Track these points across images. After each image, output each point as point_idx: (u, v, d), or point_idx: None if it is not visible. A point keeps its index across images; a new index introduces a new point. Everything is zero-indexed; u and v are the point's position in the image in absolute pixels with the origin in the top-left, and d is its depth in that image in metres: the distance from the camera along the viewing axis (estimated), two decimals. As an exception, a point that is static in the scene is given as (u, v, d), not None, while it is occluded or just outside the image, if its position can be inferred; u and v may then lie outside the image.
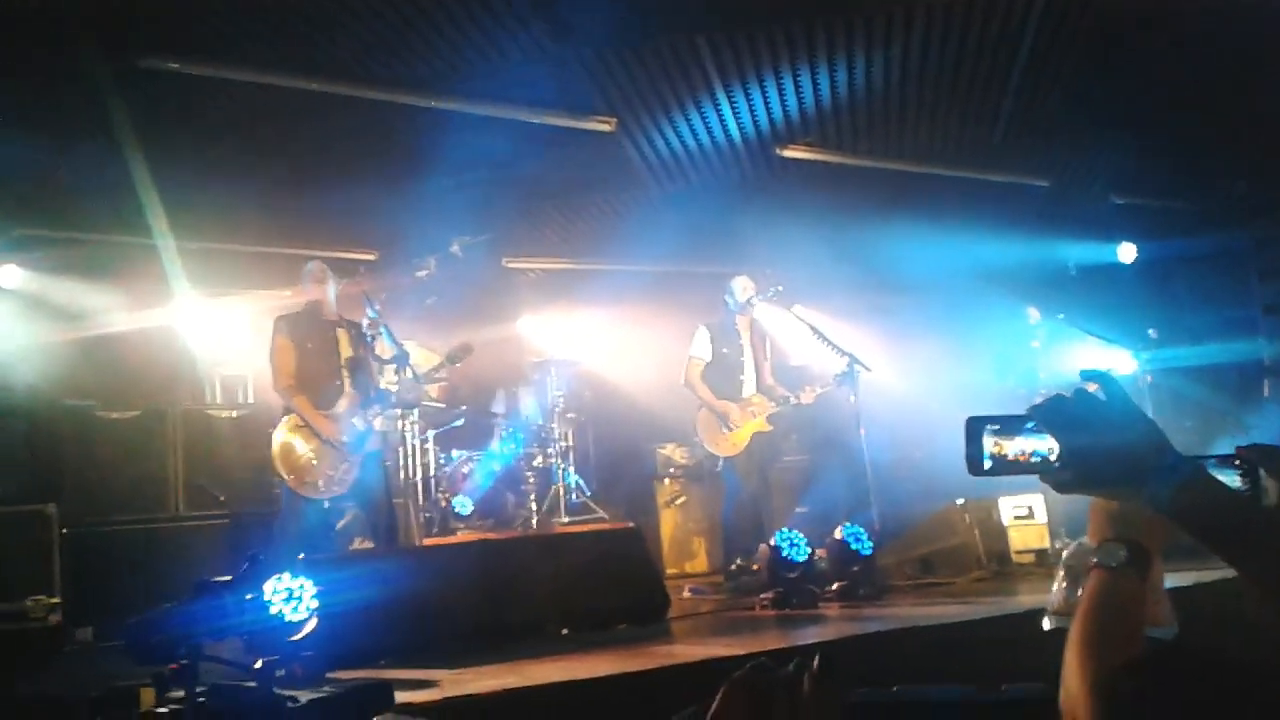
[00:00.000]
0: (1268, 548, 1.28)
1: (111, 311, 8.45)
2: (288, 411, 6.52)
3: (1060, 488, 1.39)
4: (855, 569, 6.58)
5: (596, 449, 10.26)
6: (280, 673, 4.16)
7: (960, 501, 7.64)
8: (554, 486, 8.82)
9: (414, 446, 8.10)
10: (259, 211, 8.62)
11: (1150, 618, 1.43)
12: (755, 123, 8.33)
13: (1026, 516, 7.56)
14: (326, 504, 6.55)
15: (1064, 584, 1.53)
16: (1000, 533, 7.53)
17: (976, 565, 7.43)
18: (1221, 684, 1.14)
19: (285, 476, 6.39)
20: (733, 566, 7.46)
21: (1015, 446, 1.39)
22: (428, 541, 7.55)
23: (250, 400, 8.88)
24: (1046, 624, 1.52)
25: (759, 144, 8.67)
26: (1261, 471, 1.38)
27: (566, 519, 8.68)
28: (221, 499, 7.50)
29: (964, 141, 9.03)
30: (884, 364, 8.09)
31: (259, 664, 4.07)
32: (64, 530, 6.67)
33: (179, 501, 7.44)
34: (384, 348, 6.83)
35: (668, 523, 9.41)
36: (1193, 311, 11.03)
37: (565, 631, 5.65)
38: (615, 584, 6.11)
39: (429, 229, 8.45)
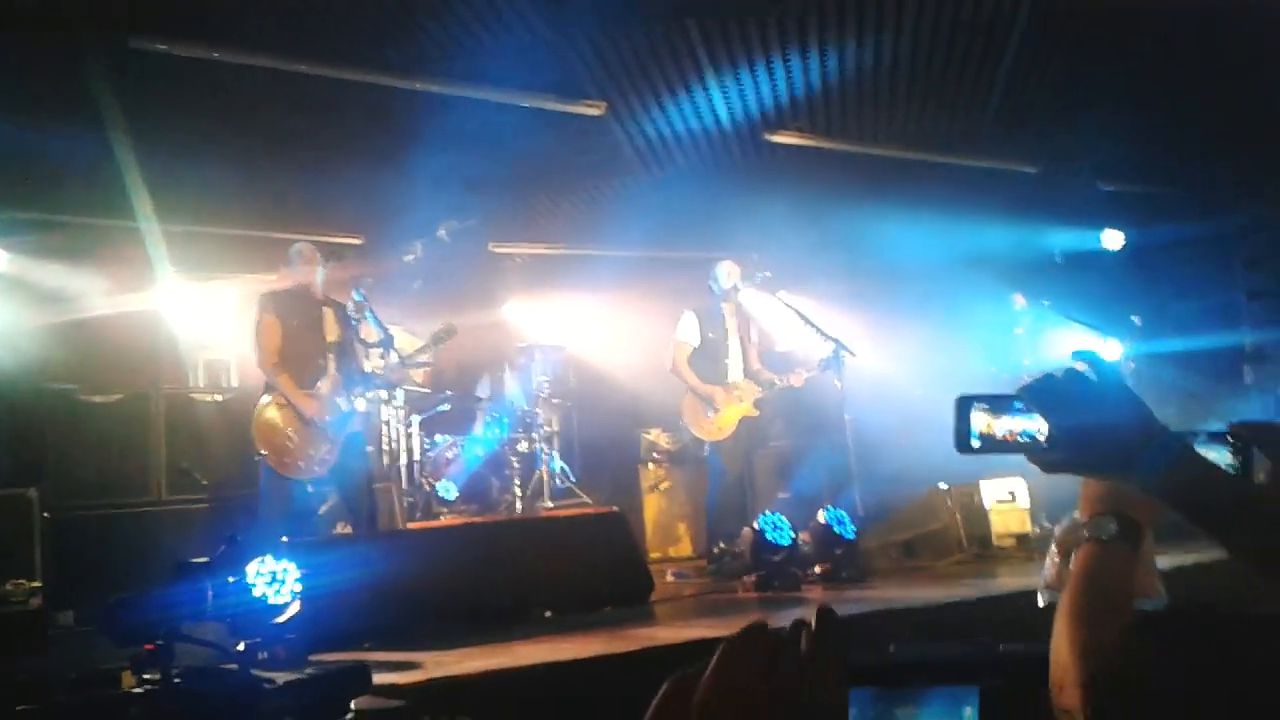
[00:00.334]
0: (1257, 527, 1.27)
1: (95, 295, 8.39)
2: (270, 389, 6.49)
3: (1048, 468, 1.38)
4: (838, 552, 6.61)
5: (581, 434, 10.27)
6: (263, 655, 4.15)
7: (943, 485, 7.66)
8: (538, 471, 8.82)
9: (398, 431, 8.09)
10: (244, 194, 8.57)
11: (1140, 589, 1.43)
12: (744, 108, 8.30)
13: (1008, 501, 7.58)
14: (310, 488, 6.53)
15: (1057, 559, 1.53)
16: (982, 517, 7.55)
17: (958, 549, 7.47)
18: (1213, 646, 1.14)
19: (266, 455, 6.37)
20: (716, 550, 7.47)
21: (1004, 425, 1.38)
22: (411, 525, 7.54)
23: (234, 384, 8.84)
24: (1040, 600, 1.52)
25: (748, 129, 8.65)
26: (1254, 449, 1.38)
27: (551, 504, 8.69)
28: (205, 483, 7.46)
29: (952, 127, 9.02)
30: (869, 349, 8.10)
31: (241, 646, 4.07)
32: (46, 514, 6.63)
33: (162, 485, 7.41)
34: (369, 331, 6.81)
35: (651, 507, 9.42)
36: (1177, 298, 11.07)
37: (549, 614, 5.66)
38: (599, 568, 6.13)
39: (416, 213, 8.41)
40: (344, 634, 4.78)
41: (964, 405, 1.40)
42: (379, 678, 3.77)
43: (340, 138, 8.13)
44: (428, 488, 8.32)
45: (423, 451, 8.51)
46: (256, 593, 4.21)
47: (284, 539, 5.22)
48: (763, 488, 8.05)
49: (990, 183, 9.92)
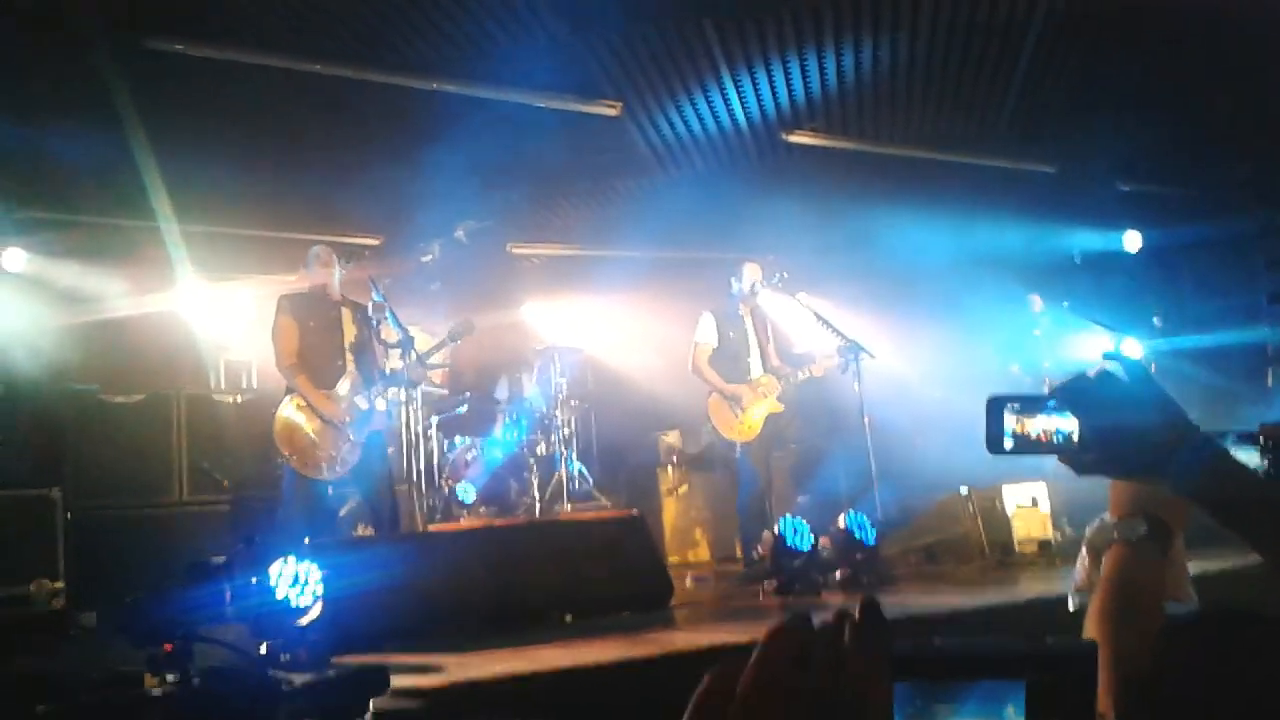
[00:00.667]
0: None
1: (116, 296, 8.44)
2: (290, 391, 6.51)
3: (1081, 469, 1.37)
4: (859, 557, 6.57)
5: (599, 436, 10.26)
6: (285, 656, 4.17)
7: (964, 490, 7.61)
8: (556, 474, 8.81)
9: (417, 433, 8.10)
10: (263, 195, 8.60)
11: (1170, 592, 1.42)
12: (761, 108, 8.30)
13: (1030, 506, 7.53)
14: (330, 489, 6.55)
15: (1087, 562, 1.51)
16: (1004, 522, 7.50)
17: (980, 554, 7.42)
18: (1243, 652, 1.13)
19: (288, 456, 6.39)
20: (755, 555, 7.39)
21: (1037, 426, 1.37)
22: (431, 528, 7.55)
23: (254, 385, 8.87)
24: (1071, 603, 1.51)
25: (765, 129, 8.64)
26: None
27: (569, 506, 8.68)
28: (225, 483, 7.49)
29: (970, 127, 8.99)
30: (888, 351, 8.07)
31: (263, 648, 4.08)
32: (68, 514, 6.66)
33: (183, 486, 7.43)
34: (389, 332, 6.82)
35: (670, 511, 9.39)
36: (1197, 299, 10.99)
37: (569, 618, 5.64)
38: (618, 571, 6.10)
39: (434, 214, 8.43)
40: (365, 636, 4.78)
41: (996, 406, 1.39)
42: (400, 680, 3.77)
43: (358, 138, 8.16)
44: (447, 490, 8.33)
45: (441, 454, 8.52)
46: (279, 595, 4.22)
47: (306, 540, 5.23)
48: (782, 491, 8.02)
49: (1008, 183, 9.89)
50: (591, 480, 9.18)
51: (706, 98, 8.11)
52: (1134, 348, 9.03)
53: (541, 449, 8.84)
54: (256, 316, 8.33)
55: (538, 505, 8.58)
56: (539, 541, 6.26)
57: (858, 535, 6.59)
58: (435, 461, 8.45)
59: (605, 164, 9.11)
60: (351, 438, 6.47)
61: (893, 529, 7.44)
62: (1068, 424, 1.36)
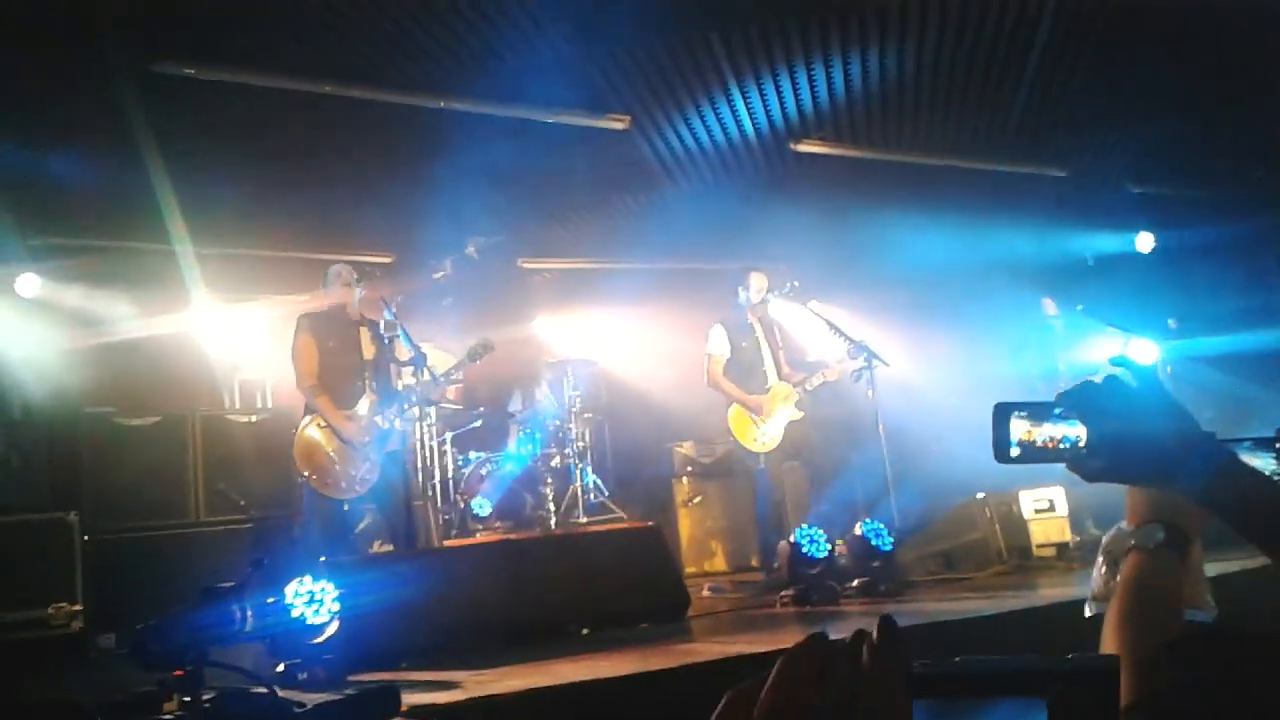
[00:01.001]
0: None
1: (129, 318, 8.47)
2: (310, 411, 6.53)
3: (1089, 476, 1.36)
4: (876, 565, 6.54)
5: (614, 448, 10.25)
6: (302, 675, 4.17)
7: (980, 495, 7.59)
8: (572, 486, 8.81)
9: (432, 448, 8.12)
10: (276, 216, 8.64)
11: (1188, 600, 1.41)
12: (769, 118, 8.30)
13: (1047, 510, 7.49)
14: (346, 506, 6.57)
15: (1104, 569, 1.51)
16: (1021, 526, 7.46)
17: (997, 560, 7.38)
18: (1260, 662, 1.12)
19: (308, 476, 6.41)
20: (776, 565, 7.36)
21: (1044, 433, 1.36)
22: (447, 543, 7.55)
23: (269, 405, 8.89)
24: (1088, 610, 1.50)
25: (773, 139, 8.64)
26: None
27: (585, 519, 8.67)
28: (242, 504, 7.50)
29: (980, 133, 8.98)
30: (901, 358, 8.04)
31: (280, 667, 4.09)
32: (85, 537, 6.68)
33: (199, 507, 7.45)
34: (401, 349, 6.84)
35: (685, 521, 9.38)
36: (1212, 300, 10.94)
37: (586, 631, 5.64)
38: (635, 583, 6.10)
39: (444, 231, 8.45)
40: (382, 653, 4.79)
41: (1002, 413, 1.38)
42: (417, 697, 3.77)
43: (370, 157, 8.19)
44: (462, 505, 8.34)
45: (456, 468, 8.53)
46: (295, 613, 4.23)
47: (321, 559, 5.24)
48: (799, 500, 8.00)
49: (1019, 187, 9.87)
50: (606, 492, 9.17)
51: (714, 109, 8.12)
52: (1149, 350, 8.99)
53: (556, 462, 8.84)
54: (270, 336, 8.36)
55: (553, 518, 8.57)
56: (555, 555, 6.26)
57: (874, 543, 6.57)
58: (450, 476, 8.46)
59: (615, 177, 9.13)
60: (370, 457, 6.49)
61: (909, 536, 7.41)
62: (1075, 431, 1.35)
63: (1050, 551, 7.41)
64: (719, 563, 9.29)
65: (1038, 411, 1.36)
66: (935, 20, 7.24)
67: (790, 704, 0.82)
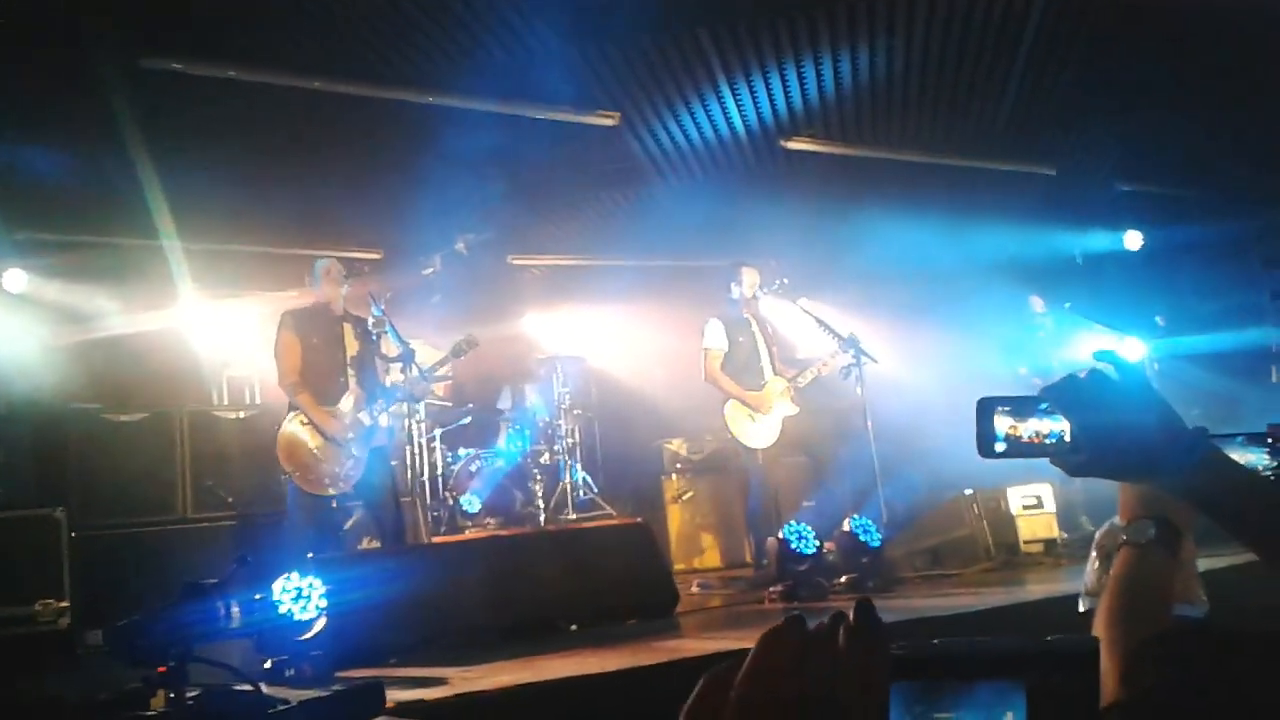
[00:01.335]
0: None
1: (117, 314, 8.43)
2: (293, 408, 6.52)
3: (1074, 470, 1.36)
4: (864, 561, 6.57)
5: (603, 445, 10.24)
6: (289, 672, 4.17)
7: (968, 491, 7.61)
8: (561, 483, 8.81)
9: (421, 445, 8.10)
10: (263, 212, 8.60)
11: (1180, 595, 1.41)
12: (758, 115, 8.30)
13: (1035, 506, 7.52)
14: (334, 503, 6.55)
15: (1097, 564, 1.51)
16: (1009, 523, 7.49)
17: (985, 556, 7.41)
18: (1250, 659, 1.12)
19: (291, 473, 6.40)
20: (764, 561, 7.36)
21: (1029, 428, 1.35)
22: (436, 540, 7.54)
23: (257, 401, 8.86)
24: (1082, 605, 1.51)
25: (762, 136, 8.65)
26: None
27: (574, 515, 8.67)
28: (229, 500, 7.48)
29: (968, 130, 9.00)
30: (890, 355, 8.06)
31: (268, 664, 4.08)
32: (72, 534, 6.66)
33: (187, 503, 7.42)
34: (389, 346, 6.82)
35: (675, 518, 9.37)
36: (1199, 299, 10.97)
37: (574, 627, 5.64)
38: (624, 580, 6.11)
39: (433, 227, 8.44)
40: (369, 649, 4.79)
41: (986, 408, 1.37)
42: (405, 693, 3.77)
43: (359, 153, 8.17)
44: (451, 501, 8.33)
45: (445, 465, 8.51)
46: (282, 609, 4.22)
47: (309, 555, 5.23)
48: (790, 496, 8.00)
49: (1007, 185, 9.88)
50: (596, 489, 9.17)
51: (704, 106, 8.12)
52: (1136, 348, 9.02)
53: (545, 459, 8.83)
54: (258, 332, 8.32)
55: (543, 515, 8.56)
56: (544, 551, 6.26)
57: (862, 539, 6.59)
58: (439, 473, 8.44)
59: (604, 174, 9.13)
60: (354, 454, 6.47)
61: (897, 532, 7.42)
62: (1059, 425, 1.34)
63: (1038, 547, 7.44)
64: (710, 559, 9.28)
65: (1022, 406, 1.36)
66: (923, 18, 7.25)
67: (767, 686, 0.82)
